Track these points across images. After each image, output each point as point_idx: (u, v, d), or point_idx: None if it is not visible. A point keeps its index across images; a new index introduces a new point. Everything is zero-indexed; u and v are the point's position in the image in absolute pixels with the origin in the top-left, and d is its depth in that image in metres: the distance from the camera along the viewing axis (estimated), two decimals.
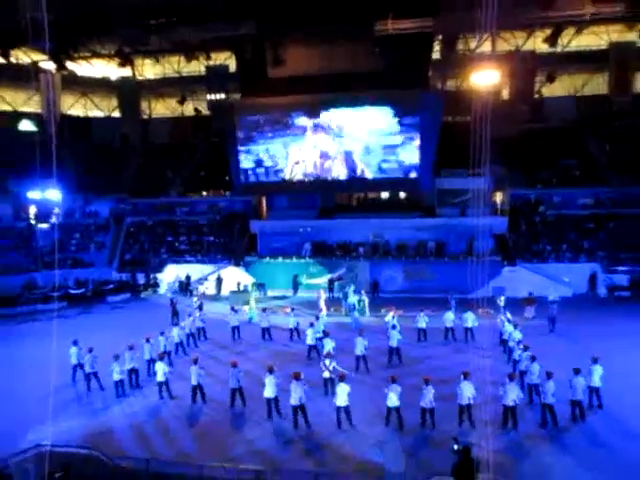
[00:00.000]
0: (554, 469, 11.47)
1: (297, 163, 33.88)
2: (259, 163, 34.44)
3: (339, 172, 33.55)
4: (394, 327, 19.09)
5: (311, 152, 33.61)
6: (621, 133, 36.89)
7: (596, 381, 14.06)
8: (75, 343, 17.64)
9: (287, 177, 34.33)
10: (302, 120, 33.12)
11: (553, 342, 20.44)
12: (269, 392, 14.18)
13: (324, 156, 33.39)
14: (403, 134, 31.82)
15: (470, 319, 20.95)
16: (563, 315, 22.54)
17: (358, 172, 33.25)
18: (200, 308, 24.66)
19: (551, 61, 34.59)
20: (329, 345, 17.47)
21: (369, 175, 33.18)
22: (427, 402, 13.35)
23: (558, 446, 12.56)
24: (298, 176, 34.10)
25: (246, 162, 34.53)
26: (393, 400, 13.43)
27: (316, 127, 33.00)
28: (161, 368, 15.96)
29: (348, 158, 33.12)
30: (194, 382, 15.45)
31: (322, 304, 25.87)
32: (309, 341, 19.48)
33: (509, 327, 18.94)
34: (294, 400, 13.58)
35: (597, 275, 30.15)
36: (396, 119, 31.73)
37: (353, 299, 25.67)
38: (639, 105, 36.92)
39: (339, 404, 13.58)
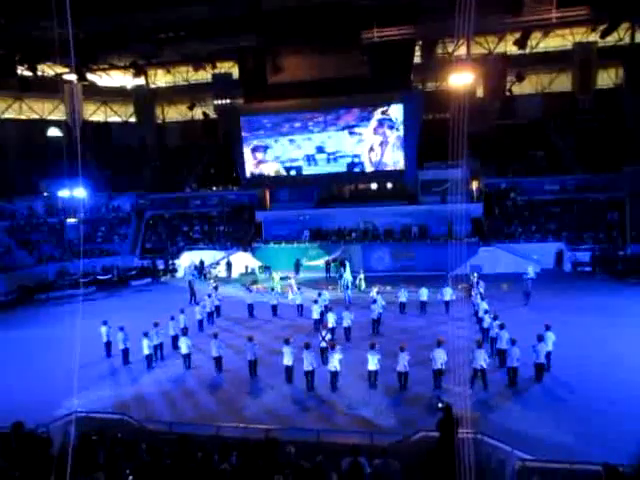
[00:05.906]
0: (518, 422, 11.63)
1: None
2: (262, 157, 34.61)
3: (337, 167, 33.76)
4: (375, 302, 19.45)
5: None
6: (583, 127, 36.79)
7: (549, 345, 14.35)
8: (105, 323, 17.91)
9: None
10: (299, 120, 33.29)
11: (525, 313, 20.61)
12: (287, 360, 14.47)
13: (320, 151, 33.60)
14: (389, 131, 31.95)
15: (448, 293, 21.25)
16: (534, 288, 22.66)
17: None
18: (216, 289, 24.98)
19: (520, 62, 34.34)
20: (332, 318, 17.94)
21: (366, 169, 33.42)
22: (402, 367, 13.49)
23: (522, 402, 12.80)
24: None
25: (250, 158, 34.71)
26: (372, 365, 13.70)
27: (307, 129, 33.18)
28: (185, 342, 16.20)
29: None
30: (215, 354, 15.64)
31: (293, 284, 25.67)
32: (315, 316, 19.69)
33: (479, 299, 19.31)
34: (306, 366, 13.92)
35: (563, 253, 30.40)
36: (381, 118, 31.85)
37: (348, 278, 25.95)
38: (600, 101, 36.92)
39: (330, 369, 13.93)
